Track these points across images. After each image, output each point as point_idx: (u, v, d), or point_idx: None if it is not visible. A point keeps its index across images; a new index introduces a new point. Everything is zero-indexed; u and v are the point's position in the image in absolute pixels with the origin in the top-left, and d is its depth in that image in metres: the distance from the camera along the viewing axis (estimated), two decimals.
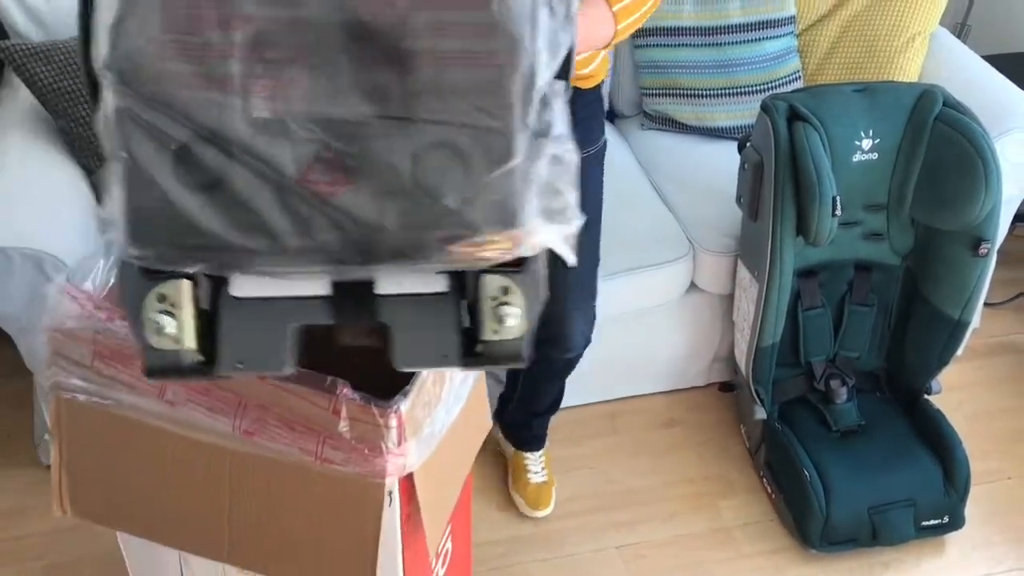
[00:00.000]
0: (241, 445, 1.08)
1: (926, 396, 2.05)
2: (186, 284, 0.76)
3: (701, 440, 2.19)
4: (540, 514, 1.99)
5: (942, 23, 2.29)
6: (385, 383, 1.07)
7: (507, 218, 0.74)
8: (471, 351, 0.82)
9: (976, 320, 2.31)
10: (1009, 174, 1.84)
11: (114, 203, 0.73)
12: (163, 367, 0.78)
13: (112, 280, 1.16)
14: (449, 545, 1.43)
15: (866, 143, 1.82)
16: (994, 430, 2.22)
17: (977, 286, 1.89)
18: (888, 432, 2.01)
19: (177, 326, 0.76)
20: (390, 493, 1.08)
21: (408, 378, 1.06)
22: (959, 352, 1.98)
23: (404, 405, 1.04)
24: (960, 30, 2.79)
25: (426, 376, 1.10)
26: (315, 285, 0.79)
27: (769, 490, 2.05)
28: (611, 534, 1.98)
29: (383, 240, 0.74)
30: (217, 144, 0.71)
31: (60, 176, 1.84)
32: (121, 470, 1.18)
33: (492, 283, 0.79)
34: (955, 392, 2.21)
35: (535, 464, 2.01)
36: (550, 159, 0.77)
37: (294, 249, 0.73)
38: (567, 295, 1.62)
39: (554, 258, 0.81)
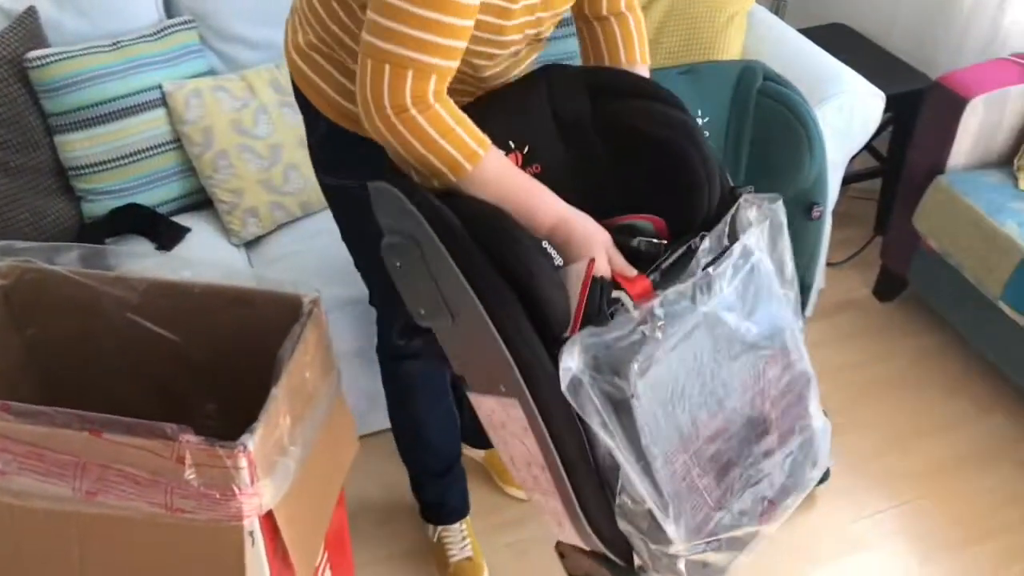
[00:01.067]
0: (86, 507, 1.01)
1: None
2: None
3: None
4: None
5: (759, 1, 2.39)
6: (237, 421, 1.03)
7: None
8: None
9: (820, 280, 2.42)
10: (832, 139, 1.93)
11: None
12: None
13: None
14: (328, 573, 1.40)
15: (697, 123, 1.87)
16: (844, 383, 2.33)
17: (816, 248, 1.97)
18: None
19: None
20: (251, 533, 1.03)
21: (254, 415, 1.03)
22: (808, 313, 2.07)
23: (252, 443, 0.99)
24: (777, 6, 2.91)
25: (276, 409, 1.06)
26: None
27: None
28: (499, 534, 1.99)
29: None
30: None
31: None
32: None
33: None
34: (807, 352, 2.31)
35: None
36: None
37: None
38: None
39: None
